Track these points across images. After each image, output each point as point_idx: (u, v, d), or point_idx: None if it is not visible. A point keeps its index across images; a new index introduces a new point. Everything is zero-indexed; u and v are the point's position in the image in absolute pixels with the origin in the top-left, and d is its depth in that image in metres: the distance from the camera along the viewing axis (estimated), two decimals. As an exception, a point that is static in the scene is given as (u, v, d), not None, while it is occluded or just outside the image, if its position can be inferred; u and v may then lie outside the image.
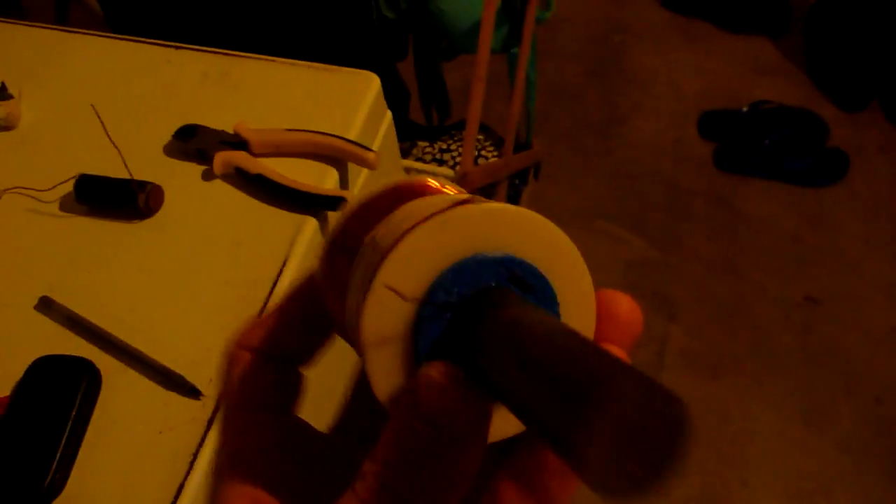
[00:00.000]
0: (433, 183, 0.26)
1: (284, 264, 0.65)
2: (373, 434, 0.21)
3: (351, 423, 0.28)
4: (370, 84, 0.76)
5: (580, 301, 0.23)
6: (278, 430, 0.25)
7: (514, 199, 1.54)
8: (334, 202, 0.66)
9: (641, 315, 0.24)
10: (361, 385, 0.28)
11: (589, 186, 2.06)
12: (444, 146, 1.44)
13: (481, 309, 0.20)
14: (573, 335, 0.18)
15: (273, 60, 0.79)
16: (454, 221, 0.21)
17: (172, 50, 0.82)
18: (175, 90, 0.78)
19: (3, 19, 0.89)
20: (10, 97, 0.77)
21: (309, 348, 0.27)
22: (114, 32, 0.88)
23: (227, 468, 0.24)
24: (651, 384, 0.16)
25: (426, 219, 0.21)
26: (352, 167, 0.73)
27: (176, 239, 0.69)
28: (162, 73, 0.80)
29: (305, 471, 0.25)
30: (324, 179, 0.70)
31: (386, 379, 0.21)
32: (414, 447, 0.19)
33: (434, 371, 0.20)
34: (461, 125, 1.57)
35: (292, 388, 0.27)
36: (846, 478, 1.61)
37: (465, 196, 0.23)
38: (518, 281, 0.22)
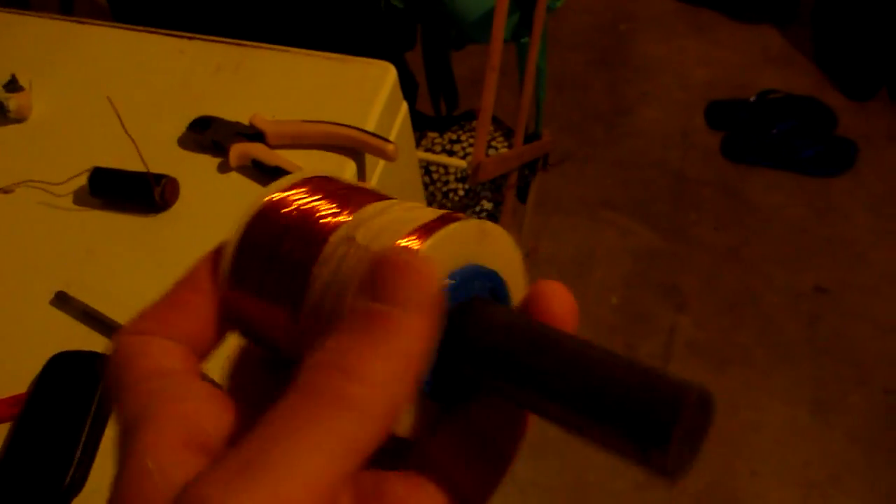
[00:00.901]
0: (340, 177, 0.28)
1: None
2: None
3: None
4: (387, 74, 0.74)
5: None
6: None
7: (523, 189, 1.53)
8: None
9: (575, 307, 0.25)
10: None
11: (596, 176, 2.05)
12: (454, 137, 1.43)
13: (474, 316, 0.23)
14: (604, 350, 0.21)
15: (287, 50, 0.78)
16: (454, 236, 0.23)
17: (185, 40, 0.80)
18: (188, 81, 0.77)
19: (12, 10, 0.88)
20: (22, 89, 0.76)
21: (206, 340, 0.26)
22: (120, 24, 0.87)
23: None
24: (692, 386, 0.20)
25: (426, 230, 0.23)
26: (369, 158, 0.72)
27: (192, 232, 0.68)
28: (175, 64, 0.79)
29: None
30: (341, 171, 0.69)
31: None
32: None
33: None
34: (469, 115, 1.56)
35: (212, 332, 0.27)
36: (855, 468, 1.61)
37: (443, 212, 0.25)
38: (493, 290, 0.25)
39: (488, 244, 0.25)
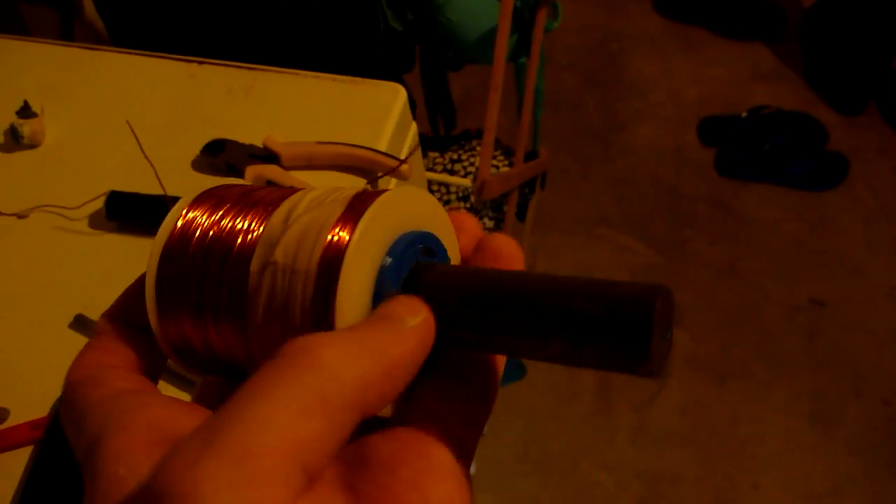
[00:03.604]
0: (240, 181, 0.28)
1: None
2: None
3: None
4: (397, 95, 0.76)
5: (454, 250, 0.28)
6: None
7: (522, 207, 1.54)
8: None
9: (519, 248, 0.26)
10: None
11: (591, 194, 2.06)
12: (455, 156, 1.44)
13: (424, 283, 0.24)
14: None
15: (297, 73, 0.79)
16: (374, 221, 0.23)
17: (195, 65, 0.81)
18: (200, 105, 0.78)
19: (19, 38, 0.89)
20: (35, 115, 0.76)
21: (151, 367, 0.27)
22: (129, 49, 0.88)
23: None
24: (654, 286, 0.20)
25: (343, 227, 0.23)
26: (381, 178, 0.73)
27: (208, 254, 0.68)
28: (185, 89, 0.80)
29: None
30: (355, 192, 0.70)
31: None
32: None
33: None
34: (467, 135, 1.57)
35: (156, 358, 0.27)
36: (856, 479, 1.62)
37: (348, 194, 0.25)
38: (428, 251, 0.26)
39: (410, 207, 0.25)
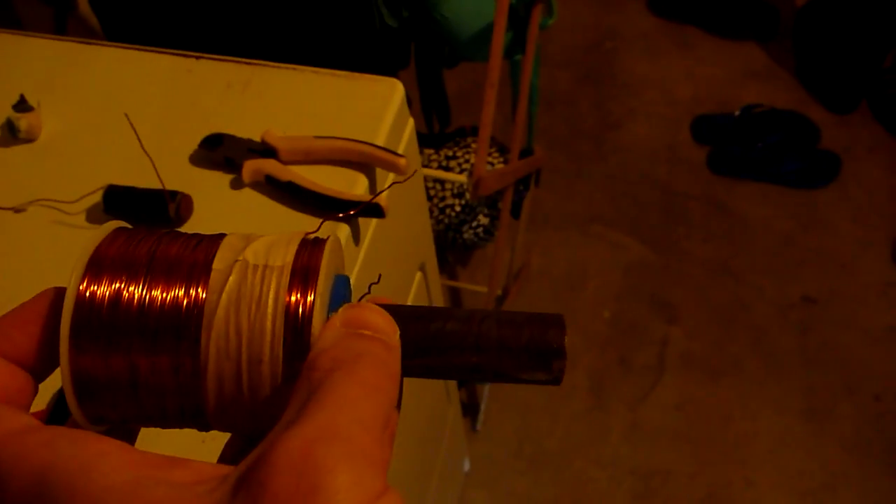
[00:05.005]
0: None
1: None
2: None
3: None
4: (394, 91, 0.76)
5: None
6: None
7: (517, 204, 1.54)
8: (367, 208, 0.66)
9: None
10: None
11: (585, 192, 2.07)
12: (450, 153, 1.45)
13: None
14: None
15: (295, 69, 0.79)
16: (333, 248, 0.27)
17: (193, 60, 0.81)
18: (198, 100, 0.78)
19: (15, 32, 0.88)
20: (31, 109, 0.76)
21: (47, 361, 0.27)
22: (125, 44, 0.88)
23: None
24: (556, 315, 0.27)
25: (308, 251, 0.26)
26: (379, 173, 0.73)
27: (206, 248, 0.68)
28: (183, 83, 0.80)
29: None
30: (353, 186, 0.70)
31: None
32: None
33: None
34: (462, 132, 1.57)
35: (28, 392, 0.26)
36: (849, 475, 1.63)
37: (299, 232, 0.27)
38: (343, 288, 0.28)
39: (339, 256, 0.29)
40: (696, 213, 2.03)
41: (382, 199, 0.65)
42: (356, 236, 0.70)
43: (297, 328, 0.23)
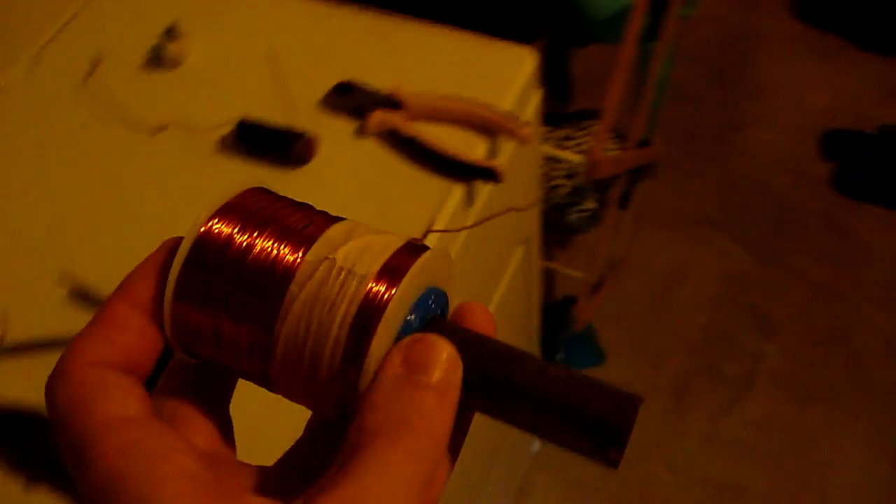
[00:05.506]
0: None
1: (429, 229, 0.66)
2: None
3: None
4: (528, 60, 0.76)
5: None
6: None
7: (627, 194, 1.52)
8: (485, 172, 0.66)
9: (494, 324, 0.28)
10: None
11: (697, 192, 2.01)
12: (567, 133, 1.43)
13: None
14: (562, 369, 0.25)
15: (433, 26, 0.80)
16: (426, 264, 0.25)
17: (334, 8, 0.83)
18: (335, 46, 0.80)
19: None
20: (180, 36, 0.80)
21: (148, 358, 0.26)
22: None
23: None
24: (635, 396, 0.24)
25: (403, 258, 0.25)
26: (500, 140, 0.73)
27: (323, 190, 0.70)
28: (323, 29, 0.82)
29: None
30: (473, 150, 0.71)
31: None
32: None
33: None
34: (581, 115, 1.55)
35: (152, 352, 0.26)
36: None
37: (405, 236, 0.26)
38: (436, 303, 0.27)
39: (442, 268, 0.27)
40: (812, 230, 1.94)
41: (502, 165, 0.65)
42: (470, 198, 0.70)
43: (357, 345, 0.24)
